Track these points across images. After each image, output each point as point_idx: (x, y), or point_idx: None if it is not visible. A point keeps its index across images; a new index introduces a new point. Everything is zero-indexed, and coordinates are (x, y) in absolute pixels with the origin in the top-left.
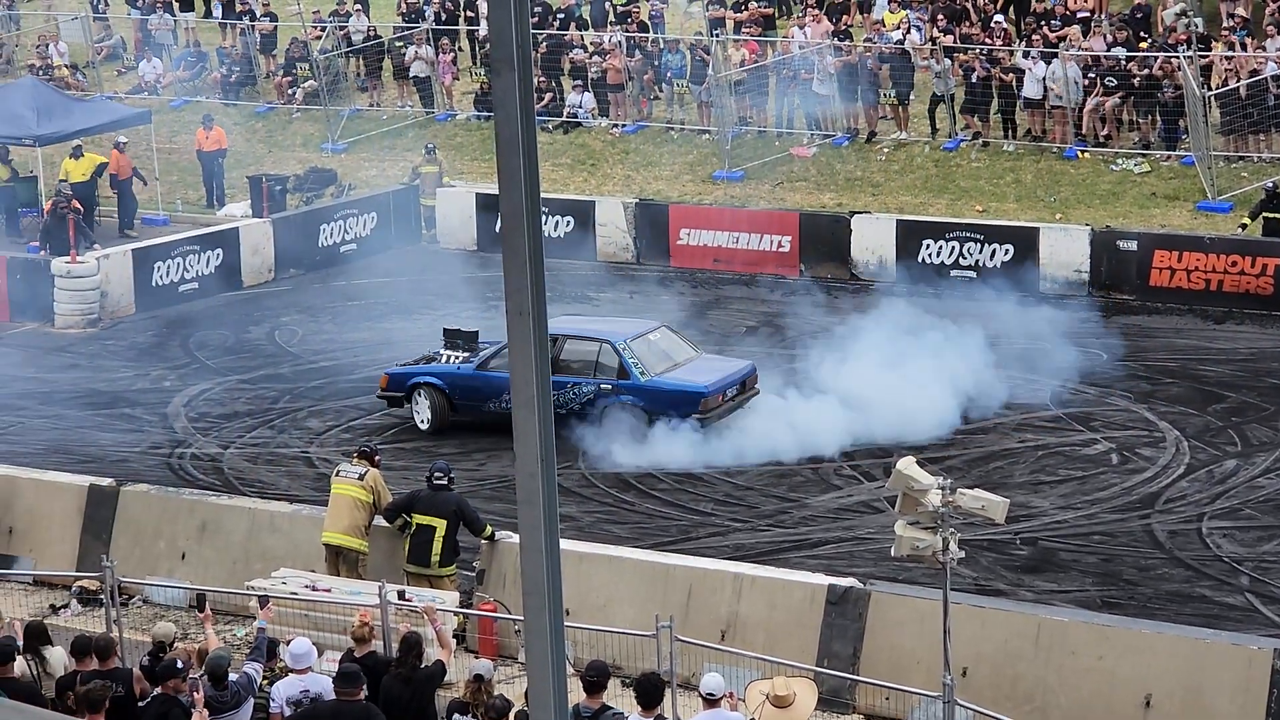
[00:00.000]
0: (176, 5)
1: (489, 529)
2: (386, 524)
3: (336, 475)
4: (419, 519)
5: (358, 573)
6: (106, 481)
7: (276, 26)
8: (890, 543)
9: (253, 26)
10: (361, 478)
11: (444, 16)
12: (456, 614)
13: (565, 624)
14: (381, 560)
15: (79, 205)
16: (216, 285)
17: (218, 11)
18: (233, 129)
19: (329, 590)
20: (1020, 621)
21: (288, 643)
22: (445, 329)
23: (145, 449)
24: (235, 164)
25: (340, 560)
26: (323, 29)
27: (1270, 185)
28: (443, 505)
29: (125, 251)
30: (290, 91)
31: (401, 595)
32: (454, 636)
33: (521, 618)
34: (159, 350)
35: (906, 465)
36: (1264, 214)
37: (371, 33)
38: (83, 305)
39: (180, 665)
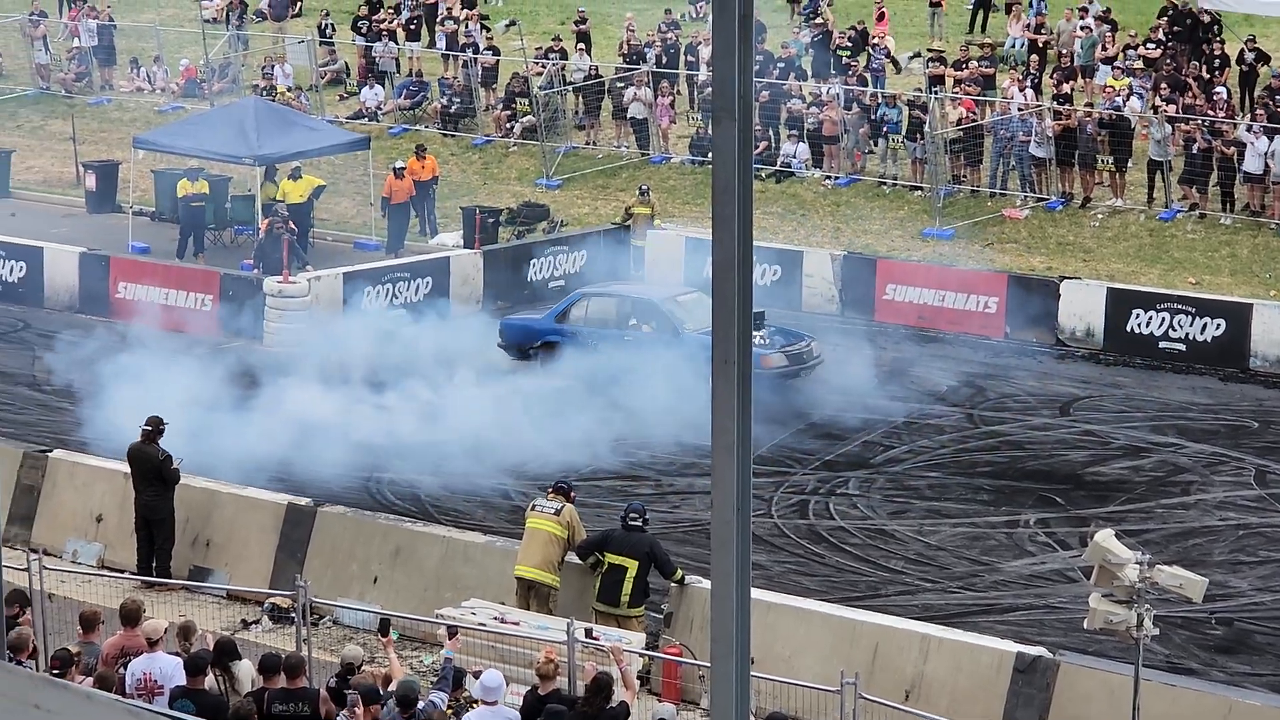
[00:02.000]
0: (402, 34)
1: (680, 572)
2: (579, 561)
3: (532, 509)
4: (611, 558)
5: (547, 608)
6: (305, 501)
7: (499, 61)
8: (1082, 613)
9: (475, 59)
10: (557, 513)
11: (664, 59)
12: (642, 655)
13: (750, 673)
14: (572, 597)
15: (294, 225)
16: (424, 313)
17: (442, 43)
18: (449, 159)
19: (517, 624)
20: (1211, 703)
21: (475, 674)
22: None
23: (345, 471)
24: (449, 194)
25: (531, 594)
26: (544, 66)
27: None
28: (636, 546)
29: (336, 274)
30: (508, 125)
31: (589, 633)
32: (638, 678)
33: (707, 663)
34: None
35: (1105, 538)
36: None
37: (592, 72)
38: (292, 325)
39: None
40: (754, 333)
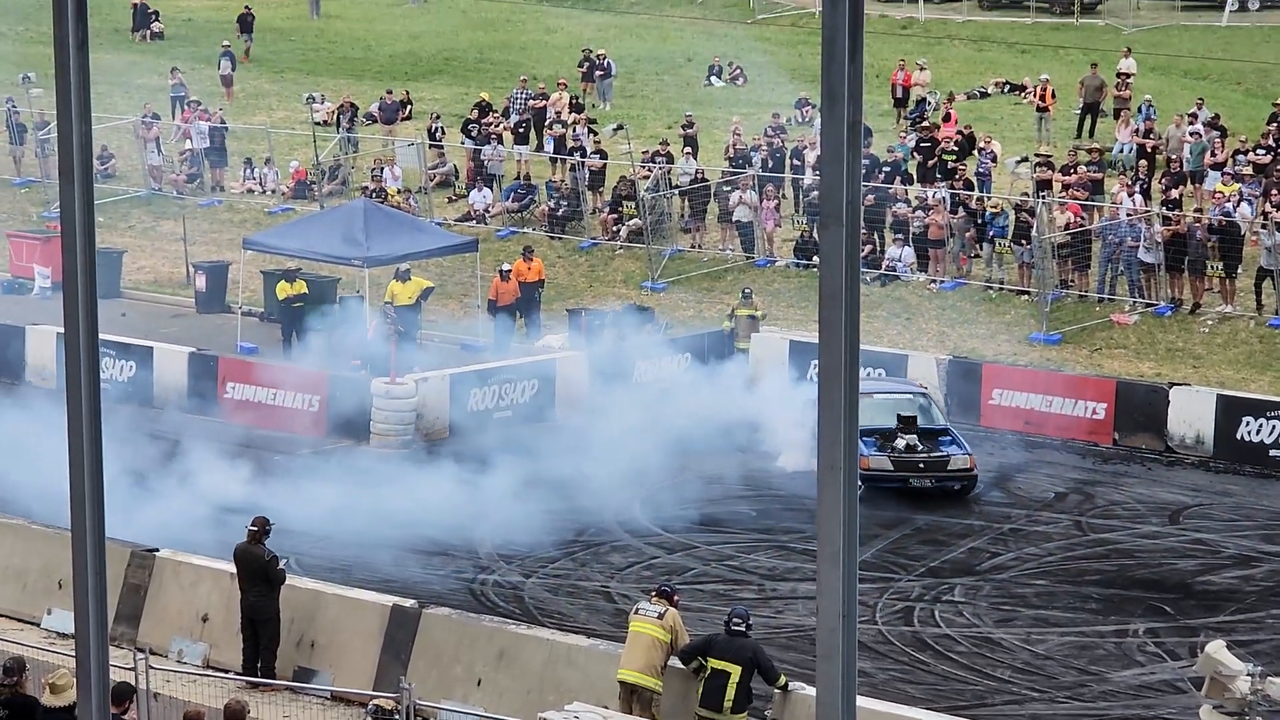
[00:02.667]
0: (510, 137)
1: (783, 678)
2: (682, 665)
3: (635, 613)
4: (714, 663)
5: (651, 713)
6: (409, 603)
7: (606, 164)
8: None
9: (583, 163)
10: (660, 617)
11: (770, 163)
12: None
13: None
14: (675, 702)
15: (401, 328)
16: (530, 414)
17: (549, 146)
18: (556, 262)
19: None
20: None
21: None
22: (900, 416)
23: (449, 573)
24: (556, 296)
25: (634, 699)
26: (650, 169)
27: None
28: (739, 651)
29: (444, 376)
30: (615, 228)
31: None
32: None
33: None
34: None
35: (1216, 649)
36: None
37: (698, 175)
38: (398, 425)
39: None
40: (906, 437)
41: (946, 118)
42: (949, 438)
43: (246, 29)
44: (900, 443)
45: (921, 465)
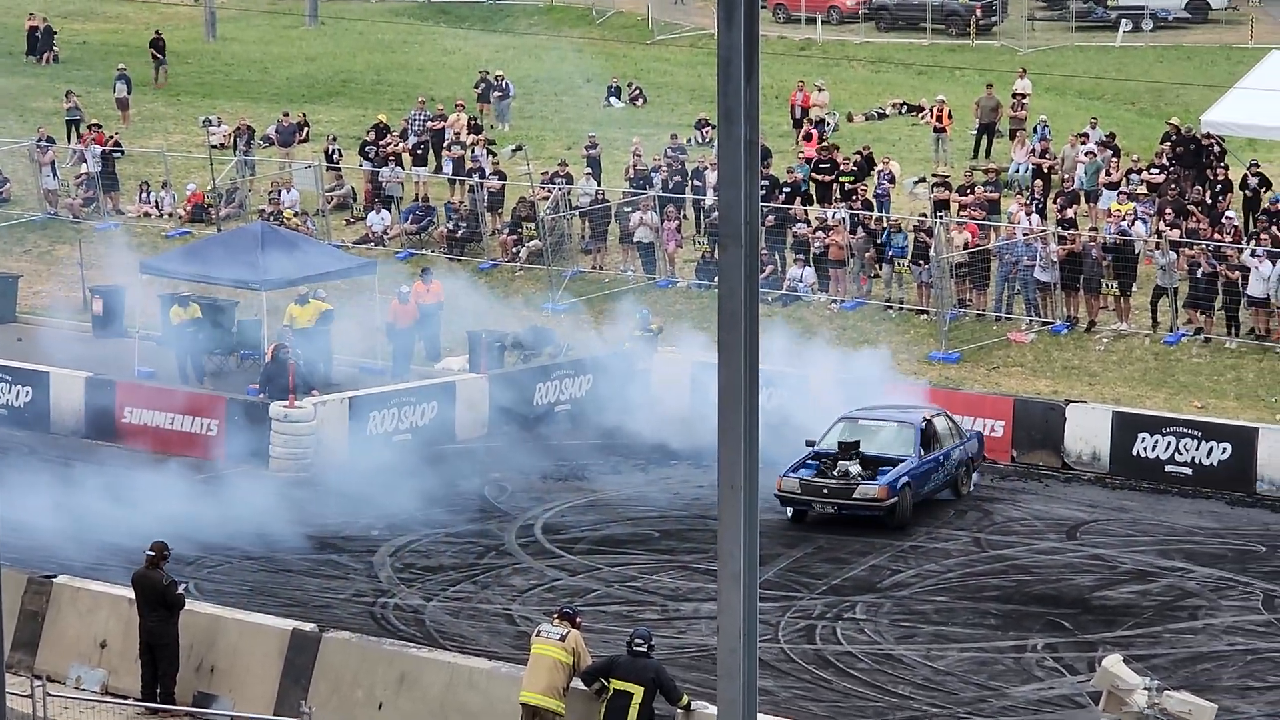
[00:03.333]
0: (408, 159)
1: (686, 698)
2: (584, 687)
3: (537, 635)
4: (616, 684)
5: None
6: (309, 627)
7: (505, 185)
8: None
9: (481, 184)
10: (563, 639)
11: (670, 184)
12: None
13: None
14: None
15: (300, 351)
16: (430, 437)
17: (448, 167)
18: (455, 283)
19: None
20: None
21: None
22: (841, 442)
23: (349, 596)
24: (455, 318)
25: None
26: (550, 190)
27: None
28: (641, 672)
29: (342, 399)
30: (514, 250)
31: None
32: None
33: None
34: (369, 499)
35: (1113, 663)
36: None
37: (598, 196)
38: (297, 449)
39: None
40: (851, 463)
41: (847, 139)
42: (890, 468)
43: (160, 52)
44: (836, 469)
45: (825, 491)
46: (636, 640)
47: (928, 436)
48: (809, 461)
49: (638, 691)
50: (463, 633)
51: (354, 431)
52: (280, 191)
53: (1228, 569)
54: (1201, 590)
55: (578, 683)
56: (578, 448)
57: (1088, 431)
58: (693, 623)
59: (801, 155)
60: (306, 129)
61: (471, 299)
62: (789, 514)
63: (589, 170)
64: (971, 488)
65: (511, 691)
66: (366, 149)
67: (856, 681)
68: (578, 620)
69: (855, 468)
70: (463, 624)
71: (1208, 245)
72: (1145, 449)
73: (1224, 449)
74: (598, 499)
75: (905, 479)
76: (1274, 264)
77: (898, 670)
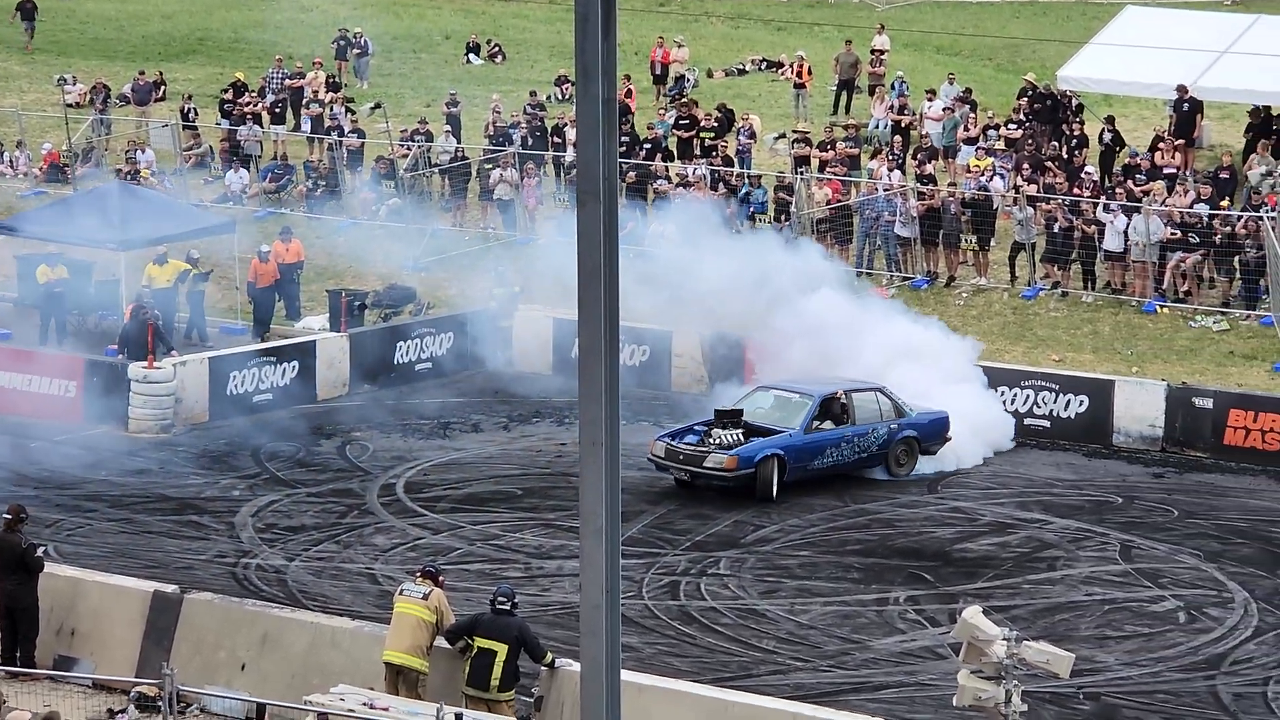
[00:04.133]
0: (266, 117)
1: (550, 656)
2: (448, 645)
3: (400, 594)
4: (480, 642)
5: (417, 693)
6: (171, 588)
7: (364, 143)
8: (953, 690)
9: (340, 142)
10: (425, 597)
11: (530, 141)
12: None
13: None
14: (441, 682)
15: (158, 311)
16: (290, 397)
17: (307, 125)
18: (315, 243)
19: (387, 709)
20: None
21: None
22: (716, 410)
23: (211, 557)
24: (316, 277)
25: (400, 680)
26: (409, 148)
27: None
28: (505, 630)
29: (202, 359)
30: (374, 208)
31: (459, 718)
32: None
33: None
34: (230, 459)
35: (973, 614)
36: None
37: (458, 153)
38: (157, 411)
39: None
40: (729, 430)
41: (708, 95)
42: (760, 438)
43: (28, 17)
44: (714, 435)
45: (680, 458)
46: (500, 598)
47: (835, 412)
48: (696, 427)
49: (501, 649)
50: (325, 592)
51: (214, 392)
52: (137, 151)
53: (1085, 520)
54: (1060, 541)
55: (441, 641)
56: (439, 406)
57: None
58: (556, 580)
59: (661, 111)
60: (163, 87)
61: (331, 258)
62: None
63: (448, 128)
64: (911, 470)
65: (375, 651)
66: (224, 107)
67: (721, 637)
68: (441, 579)
69: (731, 436)
70: (325, 584)
71: (1064, 200)
72: (1005, 402)
73: (1081, 401)
74: (460, 457)
75: (770, 451)
76: (1129, 218)
77: (762, 625)
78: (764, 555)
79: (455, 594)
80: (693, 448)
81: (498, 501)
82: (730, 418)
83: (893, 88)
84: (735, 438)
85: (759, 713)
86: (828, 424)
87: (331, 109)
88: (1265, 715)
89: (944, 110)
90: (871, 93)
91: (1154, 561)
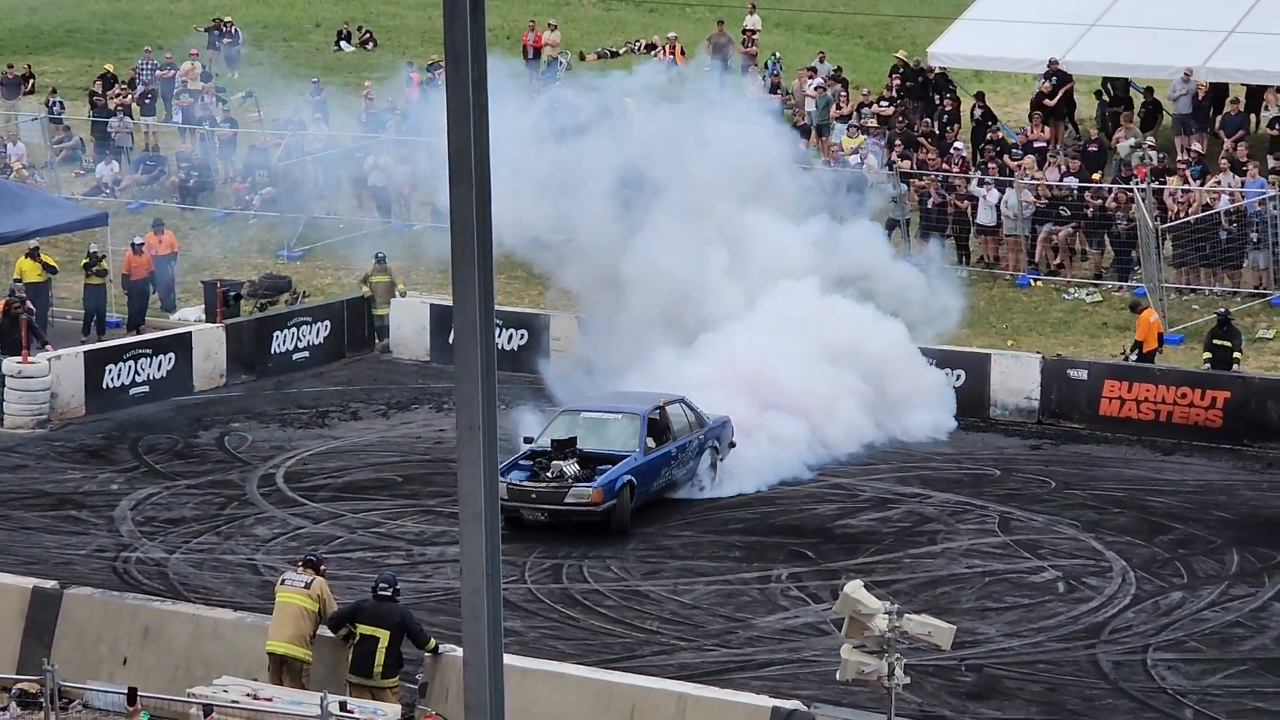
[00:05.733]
0: (136, 109)
1: (433, 642)
2: (331, 634)
3: (282, 584)
4: (363, 629)
5: (301, 682)
6: (50, 584)
7: (236, 133)
8: (836, 665)
9: (212, 132)
10: (307, 586)
11: (403, 127)
12: None
13: None
14: (325, 670)
15: (32, 305)
16: (168, 389)
17: (177, 116)
18: (189, 233)
19: (271, 700)
20: None
21: None
22: (554, 440)
23: (90, 552)
24: (191, 269)
25: (284, 669)
26: (282, 137)
27: (1223, 312)
28: (387, 616)
29: (77, 353)
30: (248, 198)
31: (344, 706)
32: None
33: None
34: (107, 453)
35: (854, 589)
36: (1214, 340)
37: (331, 141)
38: (32, 405)
39: None
40: (565, 462)
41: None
42: (609, 467)
43: None
44: (550, 469)
45: (534, 497)
46: (381, 585)
47: (659, 428)
48: (521, 462)
49: (384, 636)
50: (207, 584)
51: (90, 386)
52: (7, 144)
53: (964, 493)
54: (939, 515)
55: (324, 630)
56: (317, 394)
57: None
58: (439, 566)
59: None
60: (32, 80)
61: (205, 248)
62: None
63: (319, 115)
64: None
65: (258, 641)
66: (94, 99)
67: (604, 619)
68: (322, 567)
69: (571, 467)
70: (206, 575)
71: (937, 176)
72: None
73: (958, 376)
74: (339, 445)
75: (626, 478)
76: (1001, 192)
77: (645, 606)
78: (646, 536)
79: (337, 582)
80: (547, 485)
81: (378, 489)
82: (566, 447)
83: (766, 66)
84: (575, 469)
85: (644, 694)
86: (650, 442)
87: (202, 99)
88: (1145, 682)
89: (816, 89)
90: (744, 72)
91: (1032, 533)
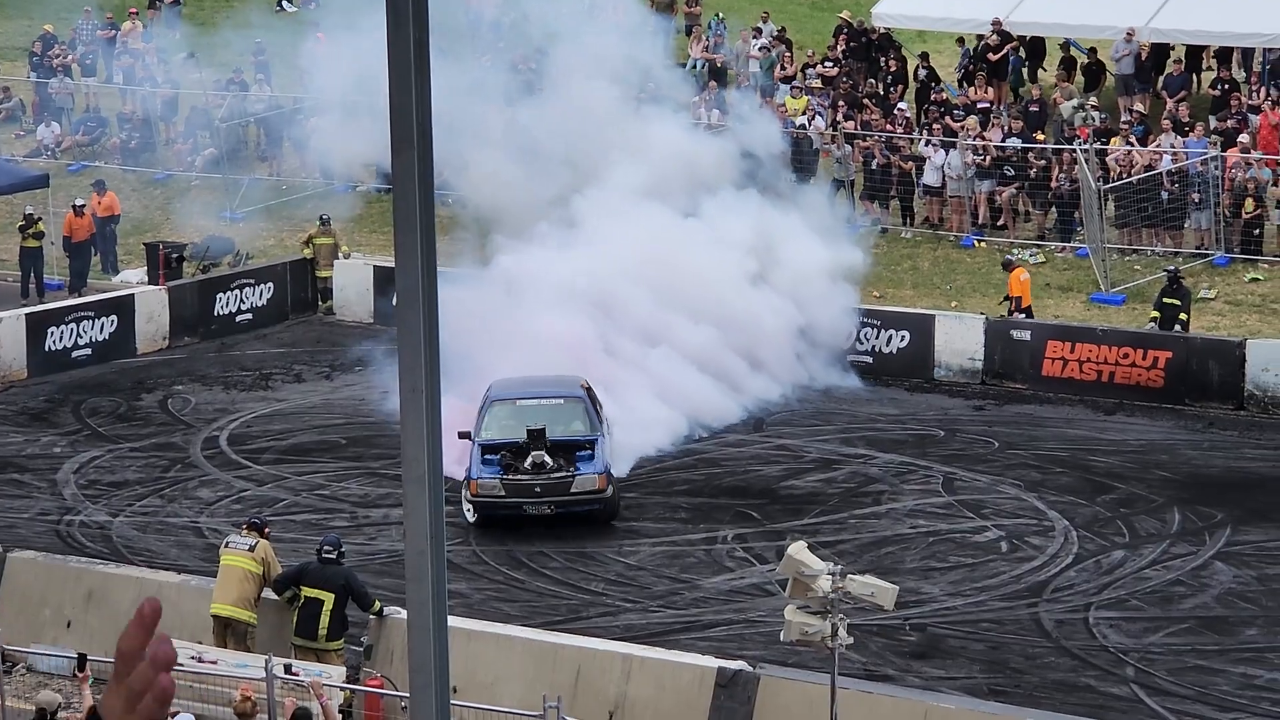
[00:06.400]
0: (77, 69)
1: (377, 604)
2: (275, 596)
3: (226, 546)
4: (308, 592)
5: (245, 645)
6: None
7: (178, 94)
8: (781, 626)
9: (154, 93)
10: (251, 549)
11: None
12: (343, 689)
13: (452, 702)
14: (269, 633)
15: None
16: (110, 352)
17: (119, 77)
18: (130, 195)
19: (215, 662)
20: (908, 708)
21: (173, 715)
22: (530, 430)
23: (34, 515)
24: (133, 230)
25: (228, 632)
26: (224, 98)
27: (1172, 271)
28: (332, 579)
29: (19, 315)
30: (190, 159)
31: (288, 669)
32: (340, 712)
33: (408, 694)
34: (50, 416)
35: (798, 550)
36: (1163, 299)
37: (274, 102)
38: None
39: None
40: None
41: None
42: (589, 452)
43: None
44: (527, 461)
45: (539, 490)
46: (326, 548)
47: (595, 405)
48: (486, 458)
49: (329, 598)
50: (150, 547)
51: (32, 349)
52: None
53: (909, 454)
54: (884, 476)
55: (269, 592)
56: (261, 356)
57: None
58: (383, 529)
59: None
60: None
61: (147, 210)
62: (471, 517)
63: (261, 76)
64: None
65: (202, 604)
66: (34, 60)
67: (550, 580)
68: (266, 530)
69: (545, 458)
70: (150, 539)
71: (881, 137)
72: None
73: (903, 337)
74: (283, 408)
75: (607, 460)
76: (946, 153)
77: (590, 567)
78: None
79: (282, 545)
80: (549, 477)
81: (322, 451)
82: (538, 436)
83: (709, 27)
84: (552, 460)
85: (590, 655)
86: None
87: (144, 60)
88: (1087, 640)
89: (760, 50)
90: (688, 33)
91: (976, 493)
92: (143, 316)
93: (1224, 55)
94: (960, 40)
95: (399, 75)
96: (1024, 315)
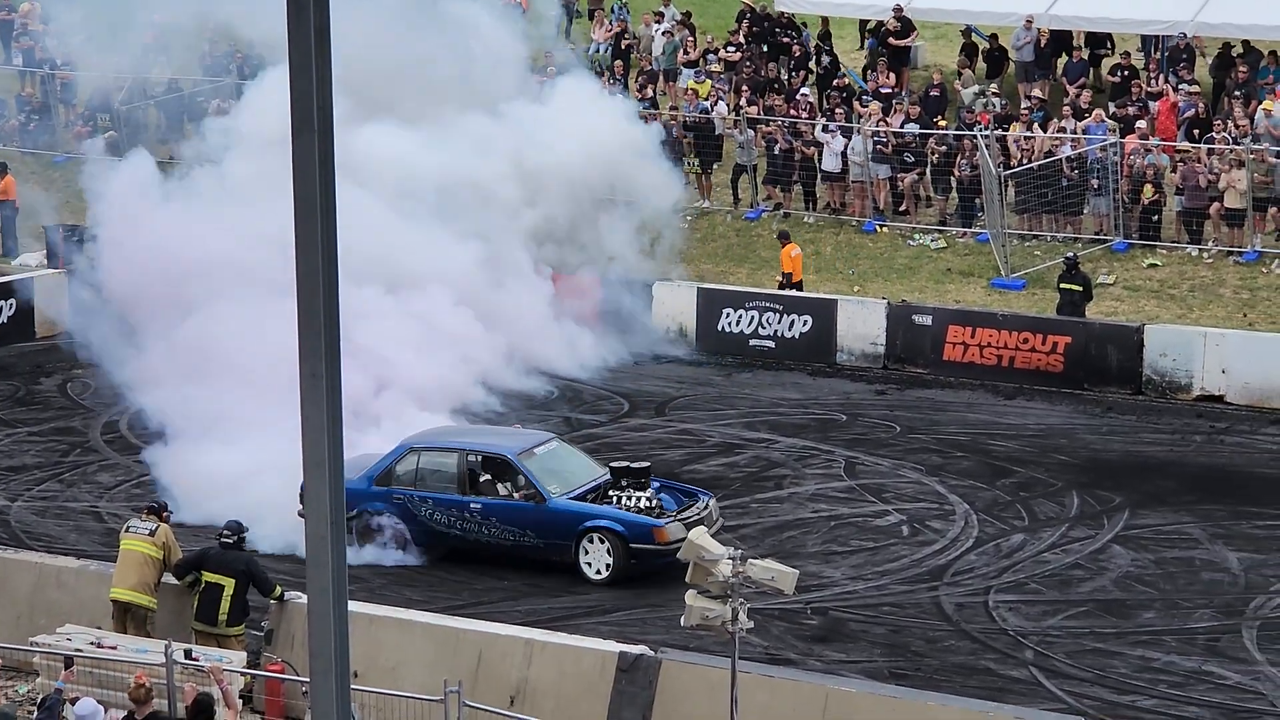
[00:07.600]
0: None
1: (278, 589)
2: (176, 581)
3: (126, 531)
4: (208, 577)
5: (146, 630)
6: None
7: (77, 75)
8: (683, 611)
9: (53, 75)
10: (152, 533)
11: (248, 70)
12: (243, 674)
13: (352, 687)
14: (170, 618)
15: None
16: (9, 335)
17: (18, 59)
18: (29, 177)
19: (115, 647)
20: (809, 691)
21: (72, 701)
22: (631, 468)
23: None
24: (31, 214)
25: (128, 617)
26: (124, 80)
27: (1070, 257)
28: (232, 564)
29: None
30: (89, 141)
31: (188, 654)
32: (240, 697)
33: (308, 679)
34: None
35: (698, 535)
36: (1061, 285)
37: (174, 84)
38: None
39: None
40: (639, 493)
41: None
42: (658, 481)
43: None
44: (640, 500)
45: (705, 523)
46: (226, 532)
47: None
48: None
49: (229, 583)
50: (49, 532)
51: None
52: None
53: (811, 438)
54: (786, 460)
55: (169, 577)
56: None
57: (674, 309)
58: None
59: None
60: None
61: (47, 193)
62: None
63: (161, 58)
64: None
65: (101, 589)
66: None
67: (451, 566)
68: (167, 514)
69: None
70: (49, 523)
71: (784, 122)
72: (730, 324)
73: (805, 321)
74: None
75: None
76: (847, 139)
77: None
78: None
79: (182, 529)
80: (697, 511)
81: None
82: (636, 475)
83: (612, 11)
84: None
85: (491, 640)
86: None
87: (44, 42)
88: (986, 624)
89: (663, 34)
90: (591, 16)
91: (878, 477)
92: (43, 300)
93: (1121, 42)
94: (863, 24)
95: (299, 59)
96: (795, 290)
